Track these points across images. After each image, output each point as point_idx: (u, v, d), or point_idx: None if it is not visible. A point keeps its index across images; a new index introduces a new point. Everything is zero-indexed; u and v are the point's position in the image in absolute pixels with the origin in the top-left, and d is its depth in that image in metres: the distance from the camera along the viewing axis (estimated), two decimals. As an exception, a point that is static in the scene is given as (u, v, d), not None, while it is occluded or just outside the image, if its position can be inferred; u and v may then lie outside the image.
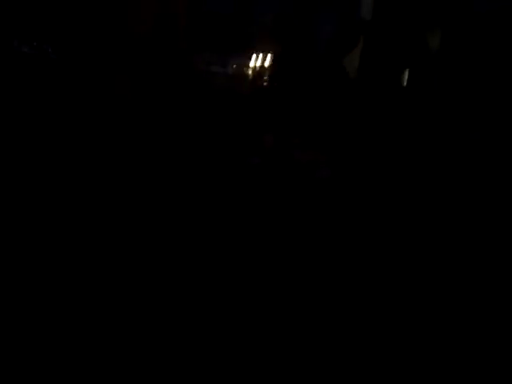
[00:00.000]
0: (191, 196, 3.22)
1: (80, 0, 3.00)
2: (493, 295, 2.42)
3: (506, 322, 2.19)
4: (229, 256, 2.63)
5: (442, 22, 3.31)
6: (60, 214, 2.78)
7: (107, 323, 1.85)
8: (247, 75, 4.07)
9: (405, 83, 3.75)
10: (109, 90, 3.24)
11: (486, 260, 2.68)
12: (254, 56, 4.00)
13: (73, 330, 1.78)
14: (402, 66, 3.66)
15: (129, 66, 3.10)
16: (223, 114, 4.09)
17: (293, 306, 2.23)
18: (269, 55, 3.96)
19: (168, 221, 2.85)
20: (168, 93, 3.56)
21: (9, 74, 4.67)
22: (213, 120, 3.90)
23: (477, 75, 3.52)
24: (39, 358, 1.63)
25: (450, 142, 3.49)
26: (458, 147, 3.44)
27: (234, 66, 4.12)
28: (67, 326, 1.80)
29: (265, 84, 4.10)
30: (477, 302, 2.34)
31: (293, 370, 1.74)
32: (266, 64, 4.01)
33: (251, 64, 3.99)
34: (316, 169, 3.65)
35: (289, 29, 3.69)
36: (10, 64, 4.91)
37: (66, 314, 1.87)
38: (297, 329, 2.03)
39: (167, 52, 3.02)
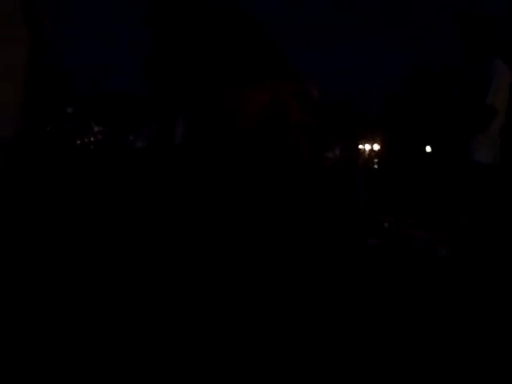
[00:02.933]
0: (306, 273, 3.21)
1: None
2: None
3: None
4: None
5: None
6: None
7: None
8: (357, 158, 4.12)
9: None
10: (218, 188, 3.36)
11: None
12: (364, 140, 4.06)
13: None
14: None
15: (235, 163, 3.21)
16: (336, 195, 4.13)
17: None
18: (378, 138, 4.02)
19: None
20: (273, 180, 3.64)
21: (123, 168, 4.99)
22: (327, 201, 3.93)
23: None
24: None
25: None
26: None
27: (344, 149, 4.20)
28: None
29: (375, 167, 4.13)
30: None
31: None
32: (376, 147, 4.06)
33: (362, 147, 4.06)
34: (434, 249, 3.55)
35: (402, 111, 3.76)
36: (124, 159, 5.24)
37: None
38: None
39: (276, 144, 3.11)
